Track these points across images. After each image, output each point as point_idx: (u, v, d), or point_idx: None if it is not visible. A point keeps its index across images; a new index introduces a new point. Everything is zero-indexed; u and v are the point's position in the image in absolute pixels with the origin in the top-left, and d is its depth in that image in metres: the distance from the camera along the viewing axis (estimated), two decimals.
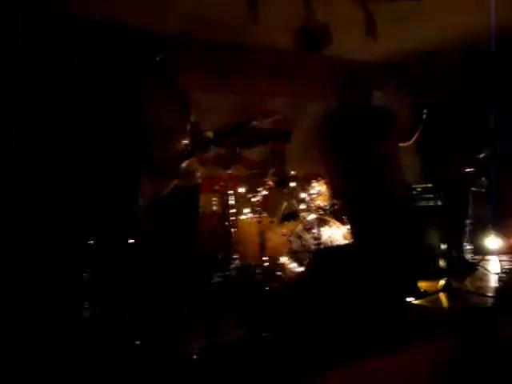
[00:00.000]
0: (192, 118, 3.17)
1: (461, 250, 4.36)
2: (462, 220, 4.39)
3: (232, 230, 4.04)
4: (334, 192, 3.46)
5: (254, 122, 3.11)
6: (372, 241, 3.13)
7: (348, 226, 4.05)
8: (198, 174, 3.29)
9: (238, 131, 3.19)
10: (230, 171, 4.02)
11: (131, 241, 3.33)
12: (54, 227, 3.19)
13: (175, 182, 3.08)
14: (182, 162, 3.12)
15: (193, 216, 3.24)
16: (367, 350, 2.19)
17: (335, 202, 4.20)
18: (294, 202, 4.48)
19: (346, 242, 4.12)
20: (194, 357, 2.35)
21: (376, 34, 4.21)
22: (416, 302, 3.17)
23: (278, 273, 3.94)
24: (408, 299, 3.07)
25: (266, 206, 4.33)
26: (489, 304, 3.01)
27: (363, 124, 3.35)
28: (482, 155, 4.43)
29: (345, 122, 3.38)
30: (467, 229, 4.42)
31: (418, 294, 3.37)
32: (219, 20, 4.41)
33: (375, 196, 3.23)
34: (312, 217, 4.18)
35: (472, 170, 4.50)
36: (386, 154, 3.37)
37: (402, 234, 3.30)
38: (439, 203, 3.79)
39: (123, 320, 2.78)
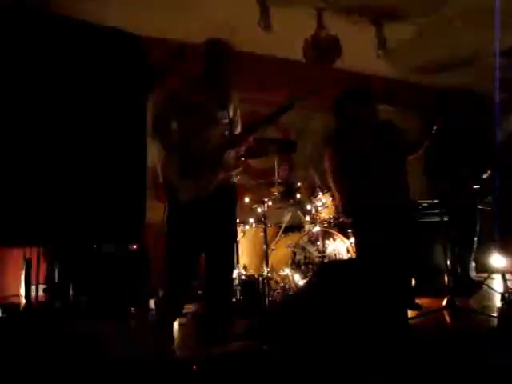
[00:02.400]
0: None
1: (466, 268, 4.33)
2: (469, 237, 4.35)
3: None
4: (344, 209, 3.45)
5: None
6: (378, 256, 3.12)
7: (352, 240, 4.03)
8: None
9: (271, 120, 2.90)
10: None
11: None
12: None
13: (220, 176, 2.70)
14: (225, 152, 2.73)
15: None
16: (367, 368, 2.16)
17: (341, 215, 4.17)
18: (299, 213, 4.46)
19: (350, 256, 4.09)
20: (194, 367, 2.32)
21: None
22: (417, 319, 3.15)
23: (281, 284, 3.91)
24: (409, 316, 3.04)
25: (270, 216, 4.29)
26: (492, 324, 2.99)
27: (372, 137, 3.35)
28: (486, 174, 4.38)
29: (355, 136, 3.38)
30: (473, 246, 4.38)
31: (414, 309, 3.37)
32: (227, 28, 4.40)
33: (383, 210, 3.22)
34: (317, 229, 4.15)
35: (478, 187, 4.46)
36: (394, 168, 3.36)
37: (407, 249, 3.29)
38: (445, 219, 3.74)
39: None
